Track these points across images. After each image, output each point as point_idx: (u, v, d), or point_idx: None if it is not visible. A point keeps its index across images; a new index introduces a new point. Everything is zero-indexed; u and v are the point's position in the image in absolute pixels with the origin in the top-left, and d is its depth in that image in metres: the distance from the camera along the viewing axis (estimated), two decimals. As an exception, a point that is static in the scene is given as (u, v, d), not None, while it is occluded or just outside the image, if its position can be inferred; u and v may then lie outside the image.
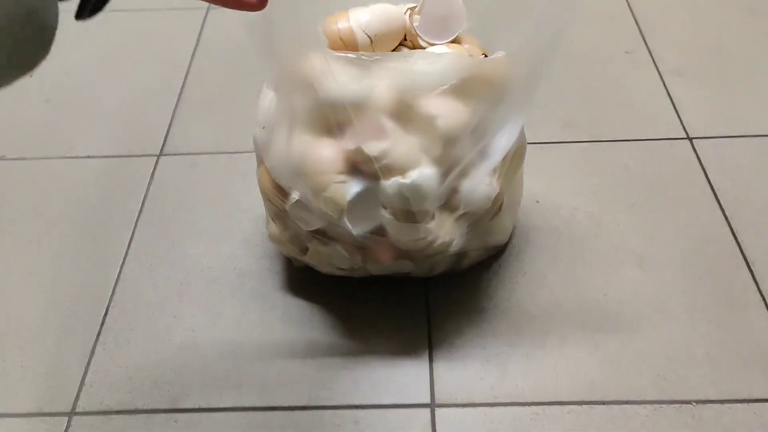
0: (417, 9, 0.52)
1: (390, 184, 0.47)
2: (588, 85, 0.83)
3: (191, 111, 0.83)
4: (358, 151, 0.48)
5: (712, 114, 0.78)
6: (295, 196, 0.52)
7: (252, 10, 0.34)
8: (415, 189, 0.47)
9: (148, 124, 0.81)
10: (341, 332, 0.60)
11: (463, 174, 0.50)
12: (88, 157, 0.78)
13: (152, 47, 0.94)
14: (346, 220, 0.51)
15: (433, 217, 0.52)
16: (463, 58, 0.50)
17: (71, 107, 0.85)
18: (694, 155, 0.73)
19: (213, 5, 0.36)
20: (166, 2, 1.01)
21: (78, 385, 0.57)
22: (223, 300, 0.63)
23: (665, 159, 0.73)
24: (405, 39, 0.55)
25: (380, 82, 0.49)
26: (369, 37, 0.50)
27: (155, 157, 0.77)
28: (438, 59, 0.48)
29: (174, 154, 0.77)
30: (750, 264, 0.63)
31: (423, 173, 0.47)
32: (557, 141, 0.76)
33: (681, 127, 0.77)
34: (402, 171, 0.47)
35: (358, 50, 0.51)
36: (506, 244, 0.65)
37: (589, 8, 0.95)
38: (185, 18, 0.98)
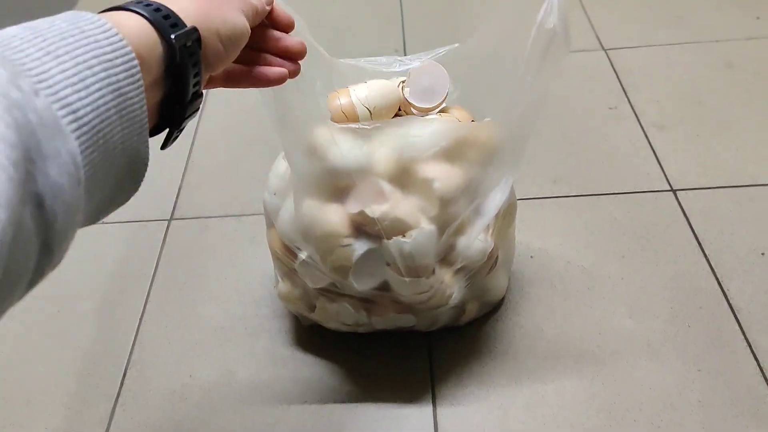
0: (406, 81, 0.57)
1: (393, 243, 0.51)
2: (574, 141, 0.88)
3: (199, 175, 0.88)
4: (361, 214, 0.52)
5: (693, 165, 0.83)
6: (302, 255, 0.56)
7: (274, 85, 0.40)
8: (416, 246, 0.51)
9: (160, 190, 0.86)
10: (349, 386, 0.63)
11: (459, 231, 0.54)
12: (103, 223, 0.82)
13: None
14: (352, 279, 0.54)
15: (433, 272, 0.55)
16: (452, 123, 0.55)
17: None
18: (678, 206, 0.78)
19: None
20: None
21: (98, 448, 0.60)
22: (236, 360, 0.66)
23: (651, 210, 0.77)
24: (399, 109, 0.60)
25: (379, 149, 0.53)
26: (368, 109, 0.55)
27: (166, 222, 0.81)
28: (429, 123, 0.53)
29: (184, 218, 0.81)
30: (736, 312, 0.66)
31: (423, 231, 0.51)
32: (547, 196, 0.80)
33: (664, 179, 0.81)
34: (403, 230, 0.51)
35: (357, 119, 0.55)
36: (503, 299, 0.68)
37: (572, 66, 1.01)
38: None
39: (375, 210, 0.51)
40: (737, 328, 0.65)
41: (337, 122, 0.55)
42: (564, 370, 0.63)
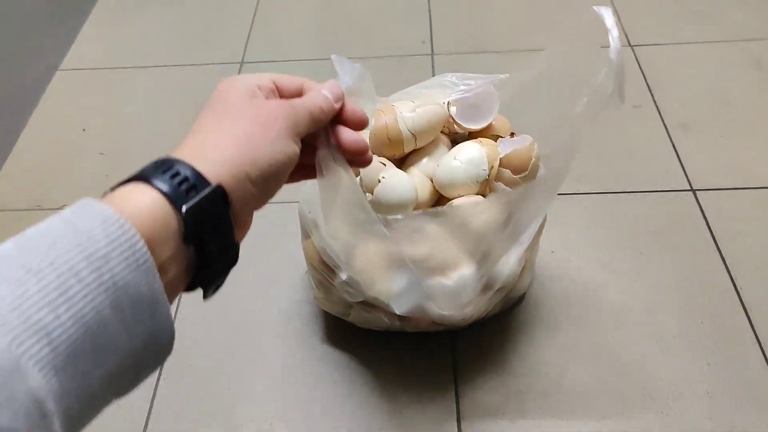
0: (454, 99, 0.59)
1: (434, 284, 0.53)
2: (597, 139, 0.90)
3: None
4: (400, 255, 0.52)
5: (715, 166, 0.85)
6: (342, 276, 0.58)
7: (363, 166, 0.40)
8: (456, 287, 0.53)
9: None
10: (376, 369, 0.67)
11: (496, 260, 0.56)
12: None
13: (193, 100, 1.02)
14: (392, 305, 0.57)
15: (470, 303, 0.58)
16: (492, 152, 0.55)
17: (124, 159, 0.93)
18: (698, 206, 0.80)
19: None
20: (207, 57, 1.11)
21: None
22: (269, 341, 0.70)
23: (670, 210, 0.80)
24: (445, 127, 0.61)
25: (420, 183, 0.56)
26: (413, 134, 0.56)
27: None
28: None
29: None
30: (747, 310, 0.69)
31: (462, 276, 0.53)
32: (570, 193, 0.83)
33: (685, 178, 0.84)
34: (443, 271, 0.53)
35: (402, 145, 0.57)
36: (524, 294, 0.71)
37: (598, 66, 1.02)
38: (226, 72, 1.07)
39: (415, 252, 0.52)
40: (748, 325, 0.68)
41: (378, 138, 0.57)
42: (580, 361, 0.66)
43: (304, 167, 0.38)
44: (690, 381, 0.64)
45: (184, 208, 0.27)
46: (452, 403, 0.64)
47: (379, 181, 0.55)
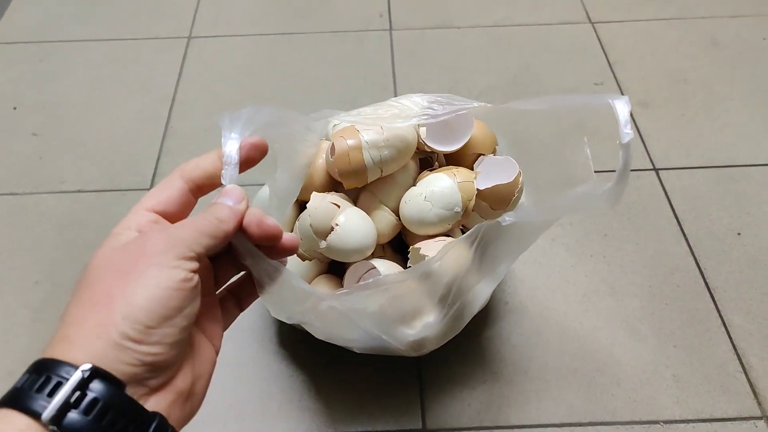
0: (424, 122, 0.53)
1: (395, 333, 0.48)
2: (561, 117, 0.88)
3: (179, 142, 0.86)
4: (352, 318, 0.46)
5: (676, 145, 0.84)
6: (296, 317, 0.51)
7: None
8: (421, 334, 0.48)
9: (137, 157, 0.83)
10: (338, 376, 0.63)
11: (465, 296, 0.50)
12: (79, 191, 0.80)
13: (136, 76, 0.95)
14: (352, 347, 0.52)
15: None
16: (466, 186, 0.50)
17: (59, 141, 0.86)
18: (660, 186, 0.79)
19: None
20: (151, 30, 1.03)
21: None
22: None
23: (634, 190, 0.79)
24: (417, 149, 0.55)
25: (381, 220, 0.51)
26: (378, 165, 0.50)
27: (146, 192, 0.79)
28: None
29: (167, 189, 0.80)
30: (712, 291, 0.68)
31: (427, 325, 0.48)
32: (534, 173, 0.81)
33: (648, 158, 0.82)
34: (406, 321, 0.47)
35: (366, 175, 0.51)
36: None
37: (560, 39, 1.00)
38: (167, 46, 1.00)
39: (374, 304, 0.46)
40: (713, 306, 0.67)
41: (338, 167, 0.50)
42: (547, 347, 0.64)
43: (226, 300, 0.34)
44: (657, 365, 0.63)
45: (44, 416, 0.23)
46: (416, 391, 0.61)
47: (333, 229, 0.49)
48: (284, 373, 0.63)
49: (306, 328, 0.56)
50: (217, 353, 0.32)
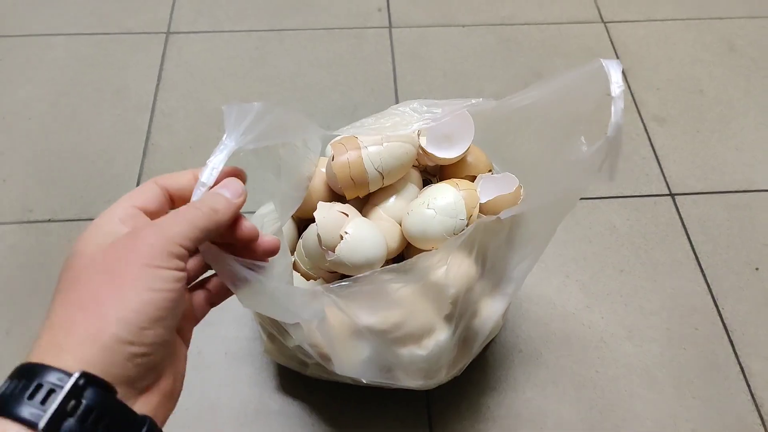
0: (423, 128, 0.49)
1: (406, 354, 0.45)
2: (573, 133, 0.83)
3: (162, 161, 0.79)
4: (368, 326, 0.44)
5: (692, 167, 0.80)
6: (295, 341, 0.49)
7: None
8: (431, 355, 0.45)
9: (114, 179, 0.76)
10: (343, 397, 0.60)
11: (475, 315, 0.48)
12: (49, 221, 0.73)
13: (109, 80, 0.87)
14: (357, 376, 0.49)
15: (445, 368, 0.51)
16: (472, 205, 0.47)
17: (22, 160, 0.78)
18: (677, 213, 0.75)
19: None
20: (118, 24, 0.93)
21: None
22: (218, 388, 0.61)
23: (649, 218, 0.75)
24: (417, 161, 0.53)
25: (388, 234, 0.47)
26: (380, 173, 0.47)
27: (133, 219, 0.73)
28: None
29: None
30: (730, 333, 0.66)
31: (439, 342, 0.45)
32: (546, 198, 0.76)
33: (663, 181, 0.79)
34: (417, 340, 0.45)
35: (367, 185, 0.48)
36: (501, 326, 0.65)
37: (571, 40, 0.94)
38: (143, 43, 0.91)
39: (384, 321, 0.44)
40: (731, 351, 0.65)
41: (339, 177, 0.47)
42: (563, 399, 0.62)
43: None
44: (676, 419, 0.61)
45: (40, 426, 0.23)
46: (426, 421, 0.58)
47: (342, 237, 0.45)
48: (287, 429, 0.59)
49: (307, 360, 0.53)
50: (187, 349, 0.32)
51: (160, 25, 0.93)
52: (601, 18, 0.97)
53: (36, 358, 0.25)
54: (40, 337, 0.26)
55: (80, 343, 0.25)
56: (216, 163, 0.31)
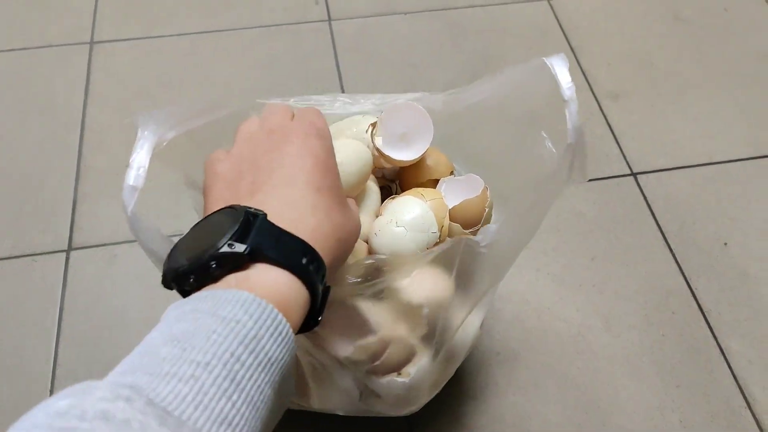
0: (377, 125, 0.45)
1: (386, 383, 0.41)
2: (530, 118, 0.80)
3: (98, 182, 0.72)
4: (347, 359, 0.40)
5: (650, 143, 0.78)
6: None
7: None
8: (413, 382, 0.42)
9: (48, 206, 0.69)
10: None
11: (454, 331, 0.45)
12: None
13: (33, 96, 0.79)
14: (334, 411, 0.46)
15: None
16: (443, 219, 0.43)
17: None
18: (640, 193, 0.74)
19: None
20: (39, 36, 0.85)
21: None
22: None
23: (615, 200, 0.73)
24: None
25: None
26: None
27: (64, 254, 0.66)
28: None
29: (86, 247, 0.67)
30: (706, 314, 0.65)
31: (421, 367, 0.41)
32: (509, 189, 0.73)
33: (624, 160, 0.77)
34: (397, 368, 0.41)
35: None
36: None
37: (517, 21, 0.91)
38: (67, 54, 0.84)
39: (361, 352, 0.40)
40: (709, 333, 0.64)
41: None
42: (546, 400, 0.59)
43: None
44: (663, 410, 0.59)
45: (321, 290, 0.29)
46: (413, 478, 0.55)
47: None
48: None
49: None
50: None
51: (82, 34, 0.85)
52: (546, -5, 0.95)
53: (285, 222, 0.29)
54: (277, 195, 0.31)
55: (325, 240, 0.30)
56: (140, 161, 0.29)
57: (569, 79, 0.38)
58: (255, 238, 0.27)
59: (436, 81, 0.83)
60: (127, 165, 0.35)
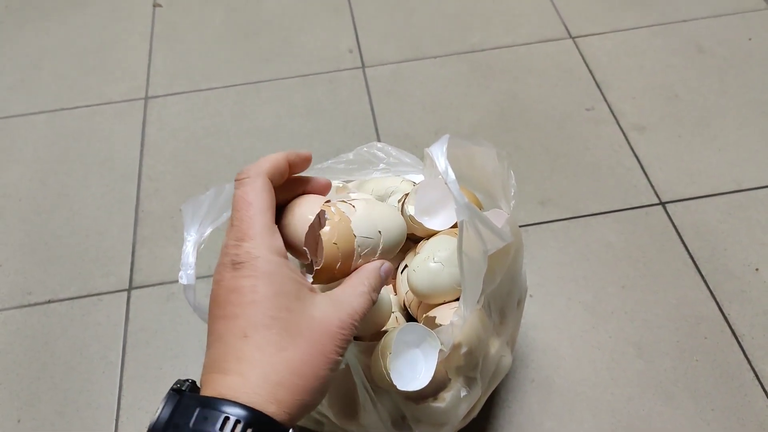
0: (409, 196, 0.48)
1: (423, 407, 0.44)
2: (556, 153, 0.83)
3: (154, 227, 0.78)
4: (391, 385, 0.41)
5: (678, 172, 0.80)
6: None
7: None
8: (448, 406, 0.44)
9: (109, 251, 0.76)
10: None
11: (487, 357, 0.48)
12: (49, 302, 0.72)
13: (94, 151, 0.87)
14: None
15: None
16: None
17: (15, 243, 0.78)
18: (670, 222, 0.75)
19: None
20: (98, 95, 0.94)
21: None
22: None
23: (643, 229, 0.75)
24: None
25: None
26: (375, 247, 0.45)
27: (125, 293, 0.72)
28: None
29: (146, 286, 0.73)
30: (739, 339, 0.66)
31: (456, 396, 0.44)
32: (537, 222, 0.76)
33: (652, 190, 0.79)
34: (434, 393, 0.44)
35: (353, 253, 0.38)
36: (511, 354, 0.65)
37: (544, 60, 0.95)
38: (124, 110, 0.92)
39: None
40: (742, 357, 0.64)
41: (327, 258, 0.36)
42: (581, 427, 0.61)
43: None
44: (698, 434, 0.60)
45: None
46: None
47: None
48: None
49: (323, 419, 0.52)
50: None
51: (137, 91, 0.93)
52: (569, 33, 0.99)
53: (227, 389, 0.29)
54: (226, 362, 0.31)
55: (282, 402, 0.29)
56: (188, 263, 0.32)
57: (444, 164, 0.37)
58: (196, 415, 0.28)
59: (464, 120, 0.88)
60: (181, 209, 0.40)
